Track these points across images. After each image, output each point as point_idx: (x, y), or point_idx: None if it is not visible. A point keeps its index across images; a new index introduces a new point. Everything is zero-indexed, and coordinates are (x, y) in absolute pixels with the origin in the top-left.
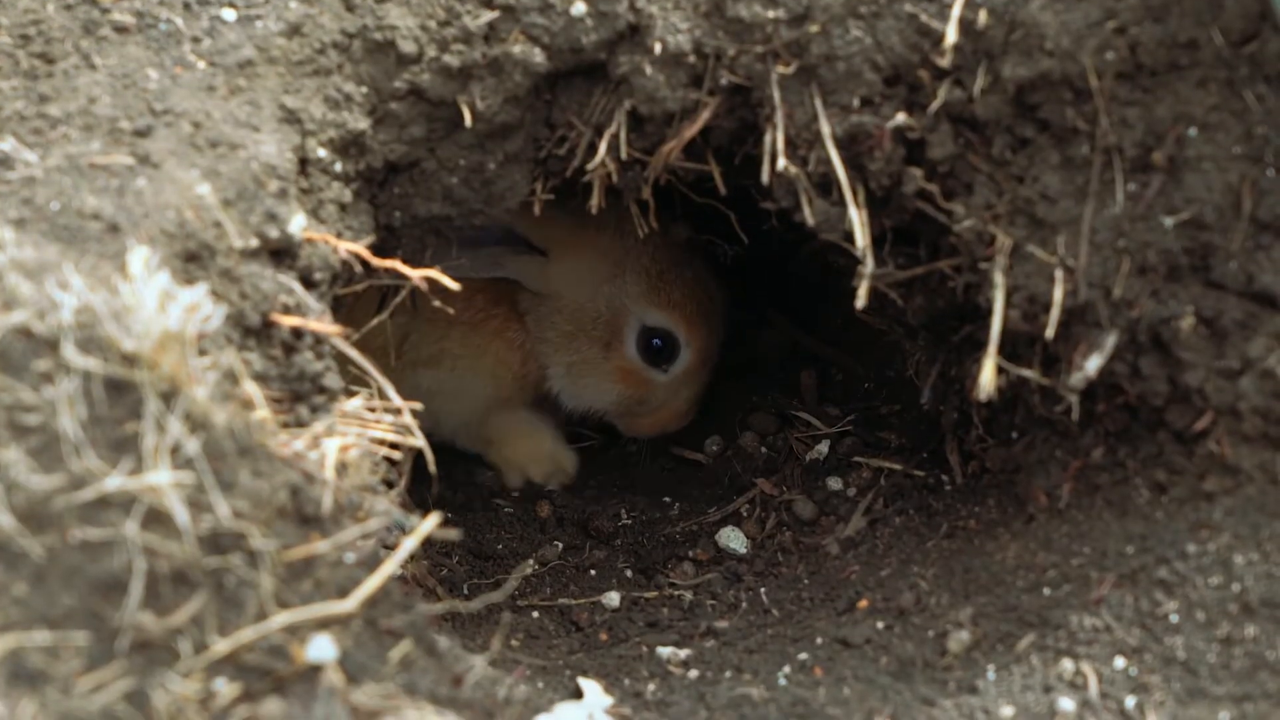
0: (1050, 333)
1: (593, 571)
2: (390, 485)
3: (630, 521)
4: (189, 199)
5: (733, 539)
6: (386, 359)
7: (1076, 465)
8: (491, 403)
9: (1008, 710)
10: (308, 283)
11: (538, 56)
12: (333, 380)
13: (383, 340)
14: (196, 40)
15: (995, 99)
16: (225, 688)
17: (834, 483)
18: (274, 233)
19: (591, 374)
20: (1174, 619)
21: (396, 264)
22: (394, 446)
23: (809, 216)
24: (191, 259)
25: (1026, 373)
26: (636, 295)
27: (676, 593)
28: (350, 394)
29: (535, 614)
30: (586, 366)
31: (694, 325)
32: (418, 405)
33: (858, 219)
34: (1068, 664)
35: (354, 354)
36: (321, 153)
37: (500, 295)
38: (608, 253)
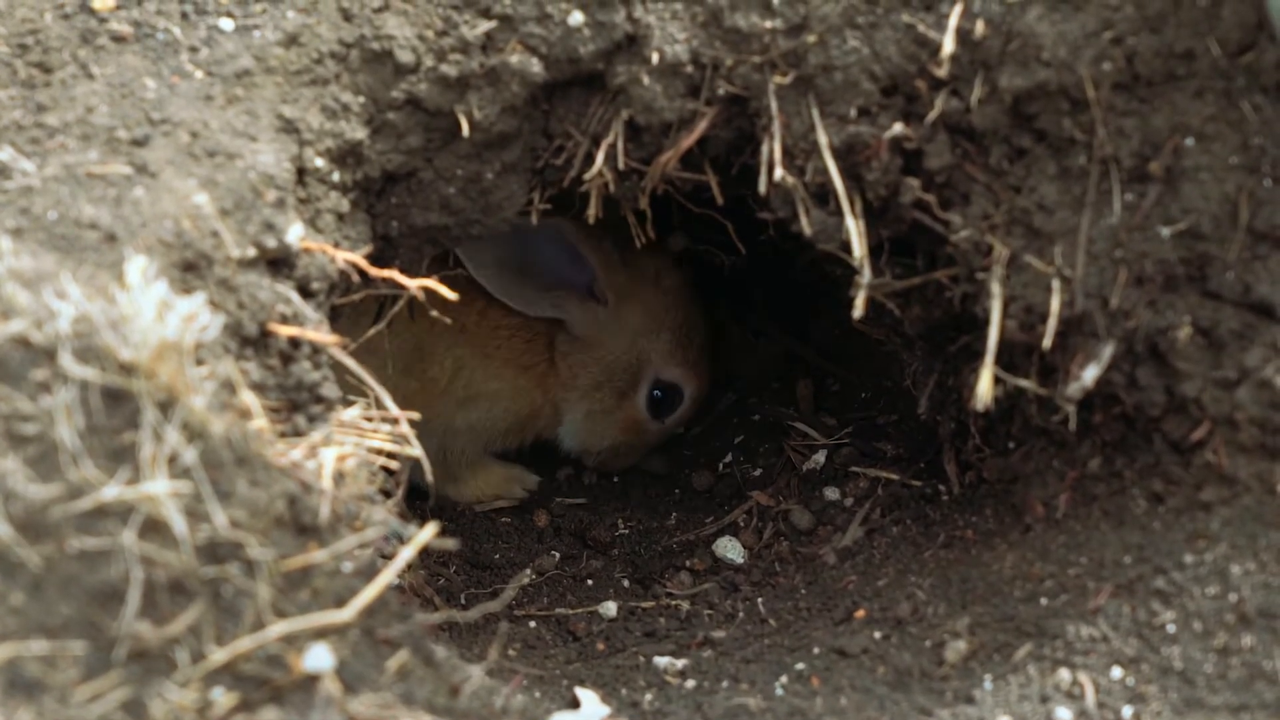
0: (1047, 343)
1: (590, 581)
2: (387, 495)
3: (627, 531)
4: (186, 208)
5: (730, 549)
6: (435, 391)
7: (1073, 475)
8: (500, 441)
9: None
10: (305, 292)
11: (535, 66)
12: (330, 390)
13: (435, 372)
14: (194, 50)
15: (992, 109)
16: (223, 697)
17: (831, 493)
18: (271, 242)
19: (603, 421)
20: (1171, 629)
21: (394, 274)
22: (391, 456)
23: (806, 226)
24: (189, 268)
25: (1024, 383)
26: (663, 353)
27: (674, 602)
28: (348, 403)
29: (532, 624)
30: (602, 415)
31: (700, 380)
32: (415, 415)
33: (855, 229)
34: (1065, 674)
35: (352, 364)
36: (319, 162)
37: (551, 340)
38: (651, 307)
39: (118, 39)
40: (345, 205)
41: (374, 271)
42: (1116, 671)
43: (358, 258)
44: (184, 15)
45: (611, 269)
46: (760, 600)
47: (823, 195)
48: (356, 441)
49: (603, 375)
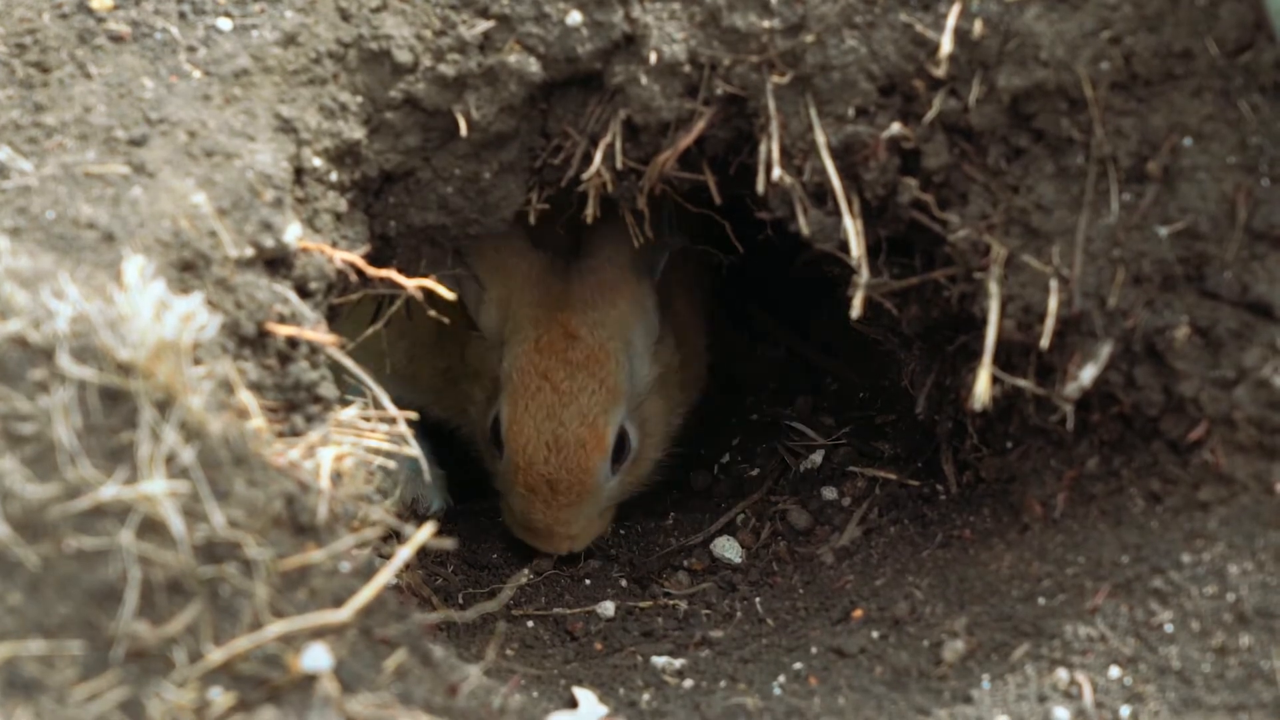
0: (1045, 342)
1: (588, 581)
2: (385, 494)
3: (625, 531)
4: (184, 208)
5: (728, 548)
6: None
7: (1071, 475)
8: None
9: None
10: (303, 292)
11: (533, 66)
12: (328, 389)
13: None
14: (192, 49)
15: (990, 109)
16: (220, 697)
17: (829, 492)
18: (269, 242)
19: (478, 417)
20: (1169, 629)
21: (392, 273)
22: (389, 456)
23: (804, 226)
24: (187, 268)
25: (1021, 382)
26: (502, 375)
27: (671, 602)
28: (345, 403)
29: (530, 623)
30: (475, 408)
31: (510, 435)
32: (413, 415)
33: (853, 229)
34: (1062, 673)
35: (349, 363)
36: (317, 162)
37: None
38: (505, 303)
39: (116, 39)
40: (343, 205)
41: (372, 271)
42: (1114, 671)
43: (355, 257)
44: (182, 15)
45: (483, 251)
46: (758, 600)
47: (820, 195)
48: (354, 441)
49: (473, 358)
